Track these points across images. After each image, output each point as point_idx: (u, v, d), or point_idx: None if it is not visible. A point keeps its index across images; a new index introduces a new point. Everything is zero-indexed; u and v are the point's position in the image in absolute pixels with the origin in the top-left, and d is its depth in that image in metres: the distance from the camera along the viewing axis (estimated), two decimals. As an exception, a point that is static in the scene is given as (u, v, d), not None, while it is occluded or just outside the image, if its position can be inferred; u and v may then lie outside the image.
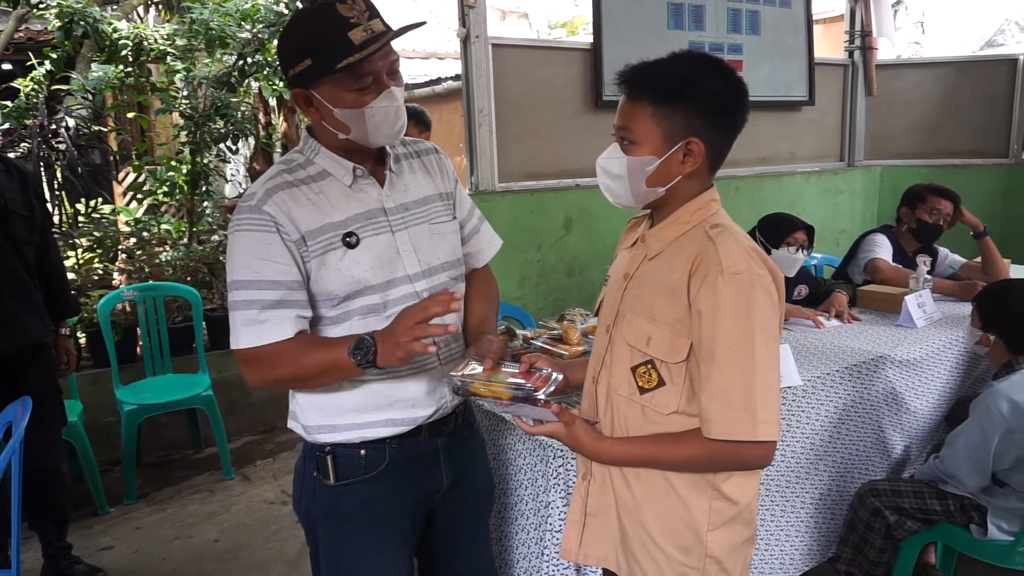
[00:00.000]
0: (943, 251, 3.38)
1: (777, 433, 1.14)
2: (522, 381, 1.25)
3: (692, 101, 1.17)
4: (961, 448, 2.08)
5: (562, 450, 1.72)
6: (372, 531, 1.40)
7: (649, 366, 1.23)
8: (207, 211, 4.78)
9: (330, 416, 1.37)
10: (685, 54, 1.22)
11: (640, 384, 1.25)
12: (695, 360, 1.18)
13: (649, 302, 1.24)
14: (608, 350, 1.32)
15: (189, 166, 4.46)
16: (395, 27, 1.29)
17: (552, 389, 1.30)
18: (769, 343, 1.14)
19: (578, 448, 1.28)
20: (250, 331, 1.26)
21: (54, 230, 4.14)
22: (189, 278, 4.08)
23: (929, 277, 2.95)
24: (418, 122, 3.52)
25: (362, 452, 1.37)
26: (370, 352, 1.22)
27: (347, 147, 1.33)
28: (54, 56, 4.36)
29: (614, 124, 1.25)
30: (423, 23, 1.31)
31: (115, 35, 4.37)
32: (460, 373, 1.27)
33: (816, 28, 4.73)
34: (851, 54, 5.06)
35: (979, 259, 3.29)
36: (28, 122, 4.06)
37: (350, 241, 1.30)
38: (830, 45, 6.38)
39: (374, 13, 1.25)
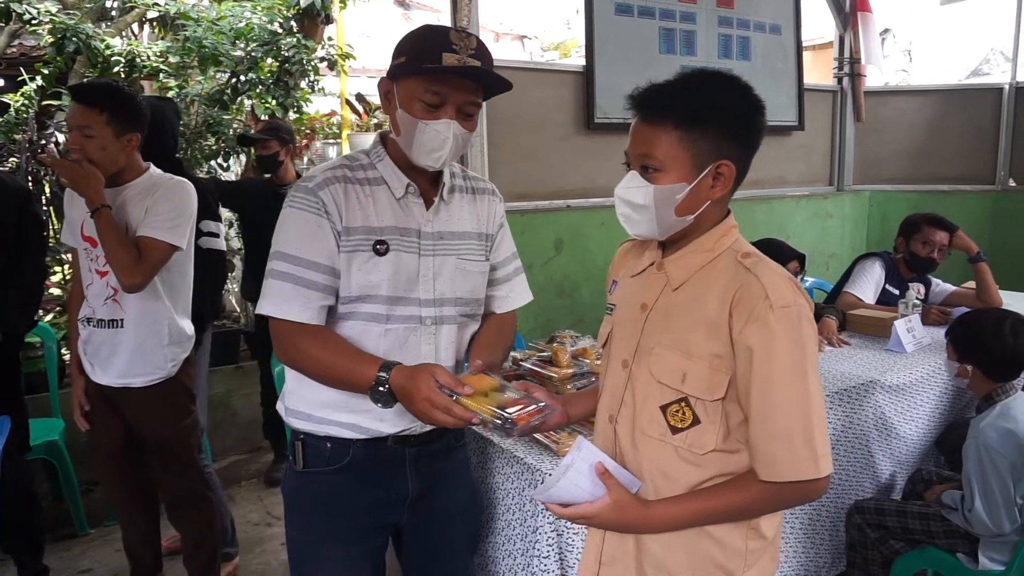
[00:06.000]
0: (936, 281, 3.40)
1: (832, 464, 1.13)
2: (504, 414, 1.16)
3: (718, 122, 1.12)
4: (987, 506, 1.98)
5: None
6: (330, 519, 1.45)
7: (683, 404, 1.15)
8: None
9: (307, 405, 1.44)
10: (702, 73, 1.17)
11: (672, 423, 1.16)
12: (732, 396, 1.13)
13: (682, 337, 1.16)
14: (628, 387, 1.23)
15: (179, 183, 4.44)
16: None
17: (535, 424, 1.23)
18: (817, 375, 1.12)
19: (624, 521, 1.15)
20: (275, 301, 1.34)
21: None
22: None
23: (919, 302, 2.96)
24: (277, 137, 3.42)
25: (328, 445, 1.43)
26: (386, 390, 1.27)
27: (407, 163, 1.39)
28: (46, 72, 4.34)
29: (628, 151, 1.17)
30: (510, 87, 1.36)
31: (108, 52, 4.37)
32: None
33: (805, 54, 4.79)
34: (840, 80, 5.12)
35: (969, 283, 3.31)
36: (17, 137, 4.03)
37: (380, 249, 1.36)
38: (819, 71, 6.46)
39: (480, 56, 1.31)
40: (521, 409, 1.19)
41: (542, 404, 1.25)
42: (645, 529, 1.18)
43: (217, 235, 2.62)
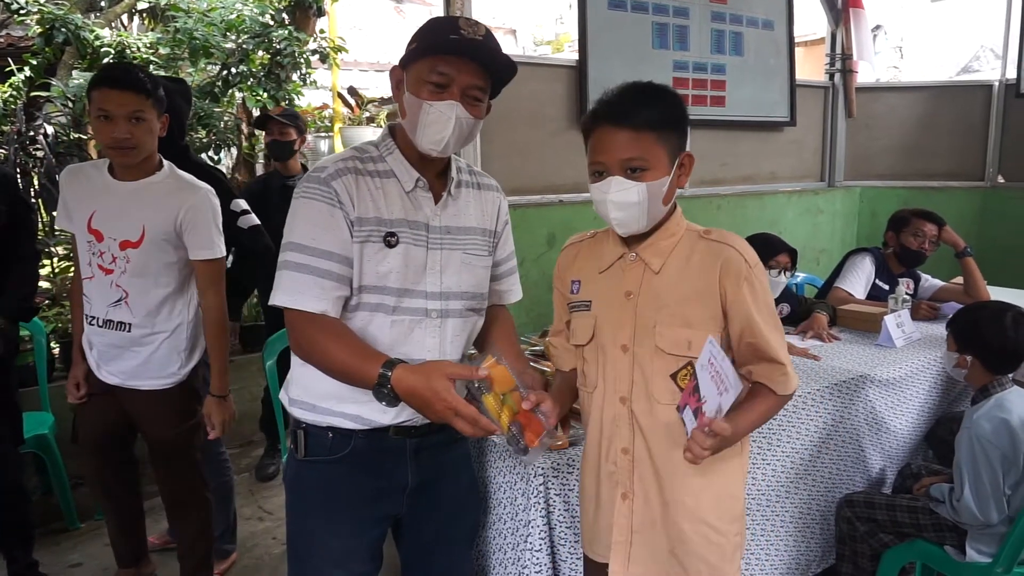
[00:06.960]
0: (925, 276, 3.42)
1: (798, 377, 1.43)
2: (522, 444, 1.27)
3: (677, 122, 1.35)
4: (976, 496, 2.00)
5: (543, 468, 1.71)
6: (329, 508, 1.46)
7: (688, 367, 1.34)
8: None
9: (310, 395, 1.44)
10: (650, 85, 1.35)
11: (682, 386, 1.34)
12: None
13: (680, 311, 1.35)
14: (635, 367, 1.38)
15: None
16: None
17: (543, 445, 1.31)
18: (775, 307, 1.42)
19: (735, 435, 1.33)
20: (290, 292, 1.33)
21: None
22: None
23: (908, 298, 2.98)
24: (296, 125, 3.45)
25: (329, 435, 1.44)
26: (388, 391, 1.26)
27: (416, 156, 1.41)
28: (34, 63, 4.31)
29: (605, 159, 1.33)
30: (515, 71, 1.39)
31: (97, 43, 4.33)
32: (481, 366, 1.27)
33: (798, 50, 4.79)
34: (832, 76, 5.14)
35: (957, 279, 3.33)
36: (5, 128, 4.00)
37: (391, 241, 1.38)
38: (811, 67, 6.47)
39: (488, 42, 1.34)
40: (534, 431, 1.29)
41: (551, 426, 1.33)
42: (737, 437, 1.36)
43: (248, 211, 2.54)
